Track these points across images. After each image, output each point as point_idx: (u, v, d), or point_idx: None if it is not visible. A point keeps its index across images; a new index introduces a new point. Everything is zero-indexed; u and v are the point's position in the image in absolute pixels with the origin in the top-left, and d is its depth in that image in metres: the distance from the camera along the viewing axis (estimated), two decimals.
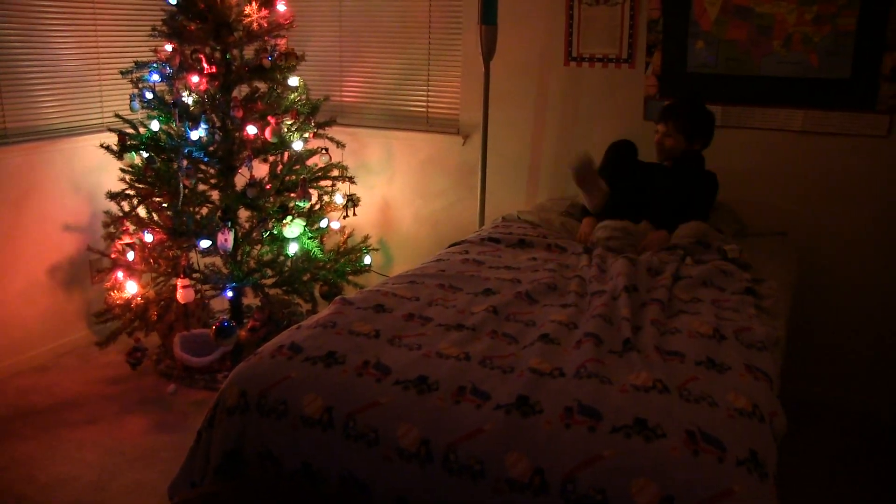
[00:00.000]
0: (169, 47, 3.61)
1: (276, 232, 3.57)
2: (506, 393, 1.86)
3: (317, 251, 3.62)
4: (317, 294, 3.76)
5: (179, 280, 3.51)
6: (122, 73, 3.73)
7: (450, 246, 3.10)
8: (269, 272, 3.67)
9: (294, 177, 3.67)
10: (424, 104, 4.16)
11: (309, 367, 2.00)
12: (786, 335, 2.42)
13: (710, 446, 1.65)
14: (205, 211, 3.66)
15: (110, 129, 3.74)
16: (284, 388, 1.96)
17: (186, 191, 3.50)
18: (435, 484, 1.76)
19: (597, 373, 1.93)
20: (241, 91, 3.71)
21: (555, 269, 2.76)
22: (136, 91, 3.67)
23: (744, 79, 3.49)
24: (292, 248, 3.60)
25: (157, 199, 3.62)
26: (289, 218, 3.54)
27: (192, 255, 3.68)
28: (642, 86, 3.70)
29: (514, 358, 2.04)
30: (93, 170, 4.02)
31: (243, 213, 3.71)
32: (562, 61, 3.84)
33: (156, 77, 3.63)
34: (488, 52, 3.65)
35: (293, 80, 3.70)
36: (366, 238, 4.08)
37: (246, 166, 3.54)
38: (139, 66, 3.68)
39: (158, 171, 3.57)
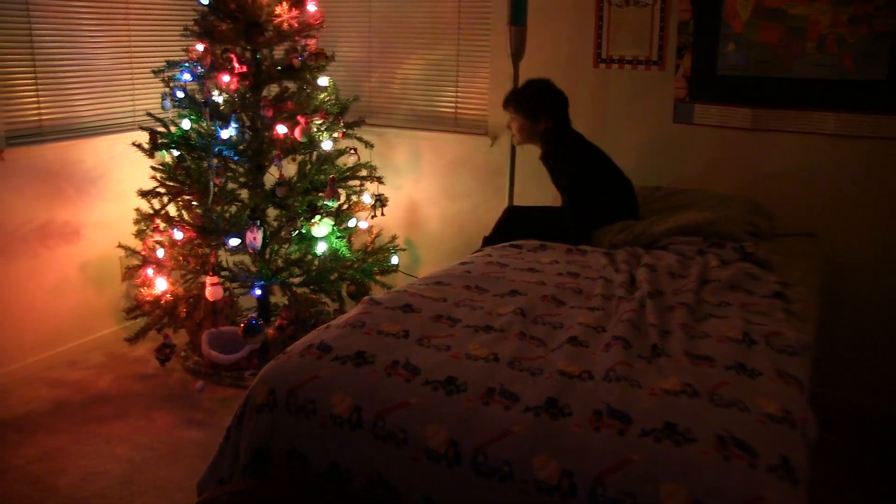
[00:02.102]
0: (200, 47, 3.65)
1: (304, 231, 3.58)
2: (535, 395, 1.85)
3: (345, 251, 3.64)
4: (344, 293, 3.78)
5: (208, 278, 3.54)
6: (154, 72, 3.77)
7: (476, 251, 3.11)
8: (297, 271, 3.69)
9: (323, 176, 3.68)
10: (453, 105, 4.17)
11: (338, 367, 2.01)
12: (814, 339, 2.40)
13: (741, 451, 1.64)
14: (233, 209, 3.69)
15: (142, 128, 3.78)
16: (313, 388, 1.97)
17: (216, 189, 3.53)
18: (463, 485, 1.76)
19: (626, 376, 1.92)
20: (270, 91, 3.73)
21: (578, 273, 2.76)
22: (167, 90, 3.71)
23: (775, 81, 3.46)
24: (320, 248, 3.62)
25: (187, 198, 3.65)
26: (317, 217, 3.56)
27: (221, 252, 3.71)
28: (672, 88, 3.68)
29: (542, 360, 2.04)
30: (123, 167, 4.06)
31: (271, 212, 3.74)
32: (591, 63, 3.83)
33: (187, 76, 3.67)
34: (517, 53, 3.65)
35: (323, 80, 3.73)
36: (393, 238, 4.09)
37: (275, 165, 3.57)
38: (171, 65, 3.72)
39: (189, 169, 3.61)
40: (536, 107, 3.26)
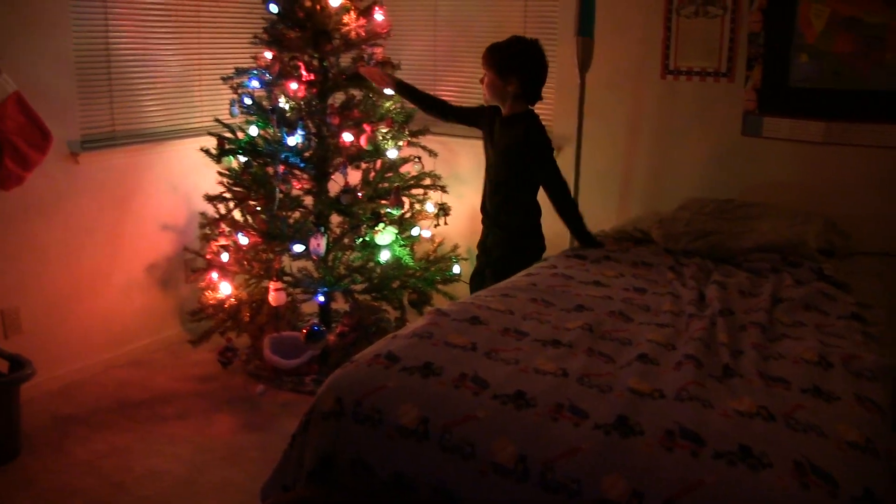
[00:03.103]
0: (269, 54, 3.69)
1: (367, 239, 3.60)
2: (604, 412, 1.83)
3: (407, 259, 3.65)
4: (405, 302, 3.78)
5: (272, 283, 3.58)
6: (223, 79, 3.84)
7: (540, 262, 3.09)
8: (359, 278, 3.71)
9: (387, 184, 3.70)
10: None
11: (406, 377, 2.01)
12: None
13: (820, 480, 1.58)
14: (297, 215, 3.73)
15: (210, 133, 3.84)
16: (380, 397, 1.97)
17: (281, 195, 3.57)
18: (529, 501, 1.74)
19: (698, 396, 1.88)
20: (336, 98, 3.76)
21: (644, 288, 2.72)
22: (235, 97, 3.77)
23: (851, 93, 3.36)
24: (384, 256, 3.63)
25: (253, 203, 3.69)
26: (381, 225, 3.57)
27: (285, 258, 3.75)
28: (741, 100, 3.61)
29: (611, 377, 2.01)
30: (191, 172, 4.14)
31: (334, 219, 3.76)
32: (658, 74, 3.78)
33: (255, 83, 3.72)
34: (584, 64, 3.62)
35: (388, 89, 3.74)
36: (455, 247, 4.08)
37: (341, 173, 3.60)
38: (239, 72, 3.78)
39: (255, 175, 3.65)
40: (508, 65, 3.05)
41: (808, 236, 3.04)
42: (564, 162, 3.94)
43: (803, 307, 2.54)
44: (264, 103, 3.71)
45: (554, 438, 1.77)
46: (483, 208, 3.35)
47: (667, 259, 3.07)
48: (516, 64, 3.05)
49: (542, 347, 2.16)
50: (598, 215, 3.92)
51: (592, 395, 1.91)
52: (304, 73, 3.60)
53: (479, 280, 3.37)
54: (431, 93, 3.53)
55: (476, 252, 3.44)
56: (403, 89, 3.50)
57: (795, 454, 1.65)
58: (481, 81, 3.15)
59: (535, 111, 3.19)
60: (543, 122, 3.84)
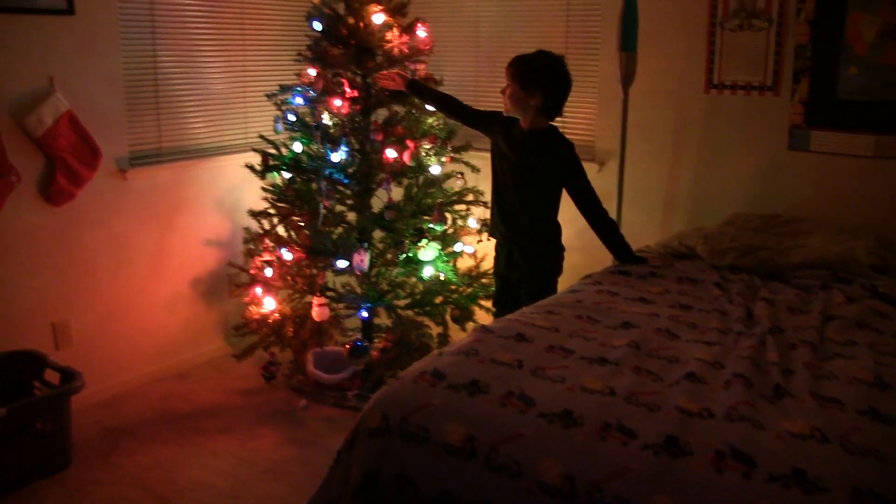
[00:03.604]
0: (312, 71, 3.73)
1: (410, 254, 3.61)
2: (653, 432, 1.80)
3: (450, 275, 3.64)
4: (447, 318, 3.78)
5: (315, 298, 3.60)
6: (267, 96, 3.89)
7: (584, 278, 3.07)
8: (402, 293, 3.72)
9: (429, 200, 3.71)
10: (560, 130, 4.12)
11: (452, 395, 2.00)
12: None
13: None
14: (339, 231, 3.75)
15: (254, 150, 3.90)
16: (427, 415, 1.97)
17: (325, 211, 3.60)
18: None
19: (749, 416, 1.85)
20: (378, 115, 3.79)
21: (690, 305, 2.68)
22: (279, 113, 3.81)
23: None
24: (427, 271, 3.64)
25: (297, 219, 3.73)
26: (424, 241, 3.58)
27: (328, 273, 3.77)
28: (787, 114, 3.56)
29: (659, 395, 1.98)
30: (235, 188, 4.19)
31: (378, 235, 3.78)
32: (702, 88, 3.75)
33: (299, 100, 3.76)
34: (627, 78, 3.60)
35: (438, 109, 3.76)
36: None
37: (384, 189, 3.61)
38: (283, 89, 3.82)
39: (299, 191, 3.69)
40: (533, 79, 3.01)
41: (859, 252, 2.97)
42: (607, 177, 3.93)
43: (856, 325, 2.48)
44: (308, 120, 3.75)
45: (602, 458, 1.75)
46: (496, 229, 3.29)
47: (712, 275, 3.03)
48: (541, 78, 3.02)
49: (588, 365, 2.14)
50: (642, 231, 3.89)
51: (641, 415, 1.88)
52: (347, 89, 3.63)
53: (505, 302, 3.32)
54: (467, 103, 3.51)
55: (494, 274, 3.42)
56: (416, 89, 3.51)
57: (853, 479, 1.61)
58: (502, 92, 3.13)
59: (557, 125, 3.19)
60: (586, 138, 3.82)
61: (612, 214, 3.70)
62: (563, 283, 3.25)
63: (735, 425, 1.81)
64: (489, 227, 3.40)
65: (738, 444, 1.73)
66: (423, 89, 3.52)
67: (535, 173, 3.11)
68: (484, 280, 3.80)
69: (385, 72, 3.56)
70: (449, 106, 3.46)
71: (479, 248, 3.99)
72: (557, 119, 4.04)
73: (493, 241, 3.36)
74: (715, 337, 2.38)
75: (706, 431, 1.80)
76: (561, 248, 3.26)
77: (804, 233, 3.23)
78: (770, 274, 3.01)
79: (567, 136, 3.20)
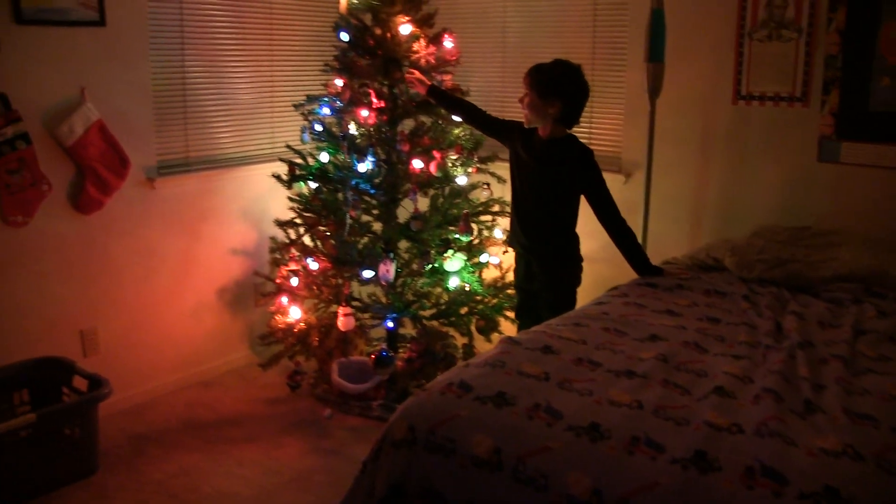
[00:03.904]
0: (339, 82, 3.75)
1: (436, 265, 3.61)
2: (681, 446, 1.78)
3: (476, 285, 3.64)
4: (473, 328, 3.77)
5: (341, 308, 3.61)
6: (294, 106, 3.91)
7: (611, 290, 3.05)
8: (427, 303, 3.72)
9: (455, 210, 3.71)
10: (586, 141, 4.10)
11: (479, 407, 1.99)
12: None
13: None
14: (365, 241, 3.76)
15: (281, 160, 3.92)
16: (453, 426, 1.96)
17: (351, 221, 3.61)
18: None
19: (779, 432, 1.82)
20: (405, 125, 3.79)
21: (719, 318, 2.66)
22: (306, 123, 3.83)
23: None
24: (453, 282, 3.63)
25: (323, 228, 3.74)
26: (450, 252, 3.58)
27: (354, 283, 3.78)
28: (817, 126, 3.52)
29: (687, 409, 1.96)
30: (261, 197, 4.22)
31: (403, 245, 3.78)
32: (729, 100, 3.72)
33: (326, 110, 3.78)
34: (654, 89, 3.58)
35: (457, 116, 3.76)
36: None
37: (410, 199, 3.62)
38: (310, 99, 3.84)
39: (325, 200, 3.70)
40: (551, 88, 3.02)
41: (893, 266, 2.93)
42: (634, 188, 3.91)
43: (889, 340, 2.44)
44: (335, 130, 3.76)
45: (630, 472, 1.74)
46: (515, 239, 3.30)
47: (740, 287, 3.00)
48: (559, 86, 3.03)
49: (615, 378, 2.13)
50: (668, 242, 3.86)
51: (669, 429, 1.86)
52: (374, 100, 3.64)
53: (527, 312, 3.34)
54: (486, 109, 3.51)
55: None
56: (436, 95, 3.52)
57: (889, 499, 1.58)
58: (521, 101, 3.14)
59: (583, 134, 3.18)
60: (613, 149, 3.80)
61: (639, 226, 3.69)
62: (589, 294, 3.24)
63: (765, 441, 1.79)
64: (508, 238, 3.41)
65: (768, 461, 1.71)
66: (443, 95, 3.53)
67: (555, 181, 3.11)
68: (509, 291, 3.78)
69: (412, 73, 3.56)
70: (469, 113, 3.47)
71: (504, 259, 3.98)
72: (584, 129, 4.08)
73: (513, 251, 3.37)
74: (744, 350, 2.36)
75: (735, 447, 1.77)
76: (579, 259, 3.26)
77: (834, 245, 3.19)
78: (799, 287, 2.97)
79: (592, 147, 3.19)
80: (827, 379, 2.14)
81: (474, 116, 3.45)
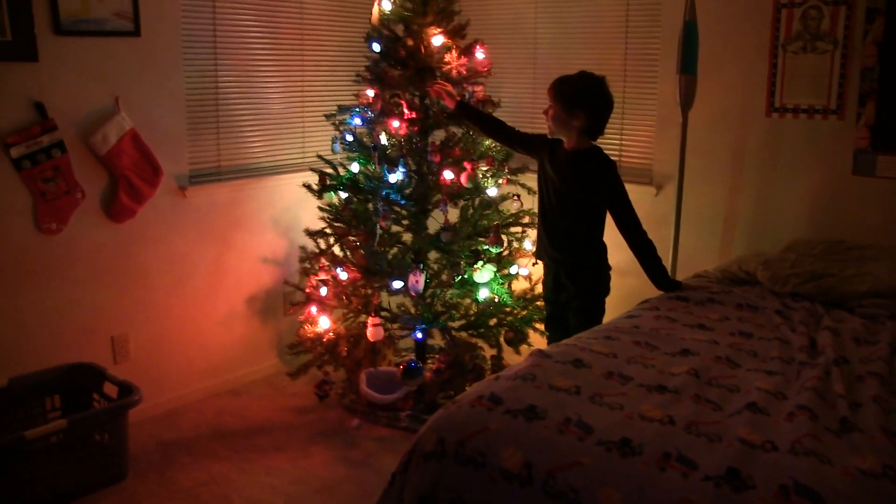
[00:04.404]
0: (371, 92, 3.76)
1: (466, 276, 3.60)
2: (714, 463, 1.76)
3: (506, 297, 3.63)
4: (502, 340, 3.76)
5: (370, 318, 3.61)
6: (325, 116, 3.93)
7: (641, 303, 3.02)
8: (457, 315, 3.71)
9: (485, 221, 3.70)
10: (617, 153, 4.10)
11: (509, 420, 1.98)
12: None
13: None
14: (394, 251, 3.76)
15: (311, 169, 3.94)
16: (483, 440, 1.95)
17: (381, 231, 3.61)
18: None
19: (815, 450, 1.79)
20: (436, 136, 3.80)
21: (751, 333, 2.63)
22: (337, 133, 3.85)
23: None
24: (482, 294, 3.62)
25: (353, 238, 3.75)
26: (479, 263, 3.57)
27: (383, 294, 3.78)
28: (852, 138, 3.48)
29: (720, 425, 1.94)
30: (291, 207, 4.24)
31: (433, 256, 3.78)
32: (763, 112, 3.69)
33: (357, 121, 3.79)
34: (687, 101, 3.56)
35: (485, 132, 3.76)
36: None
37: (441, 210, 3.62)
38: (341, 109, 3.86)
39: (355, 211, 3.71)
40: (576, 100, 3.03)
41: None
42: (665, 201, 3.89)
43: None
44: (366, 140, 3.77)
45: (662, 489, 1.72)
46: (543, 251, 3.29)
47: (773, 302, 2.96)
48: (584, 98, 3.04)
49: (647, 393, 2.11)
50: (699, 255, 3.83)
51: (701, 445, 1.84)
52: (405, 110, 3.65)
53: (557, 324, 3.33)
54: (512, 125, 3.50)
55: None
56: (464, 110, 3.52)
57: None
58: (545, 113, 3.14)
59: (613, 147, 3.16)
60: (644, 161, 3.78)
61: (669, 238, 3.66)
62: (619, 307, 3.21)
63: (800, 459, 1.76)
64: (536, 251, 3.40)
65: (803, 480, 1.68)
66: (471, 111, 3.53)
67: (580, 193, 3.11)
68: (539, 303, 3.76)
69: (439, 86, 3.56)
70: (495, 128, 3.48)
71: (534, 271, 3.96)
72: (615, 141, 4.06)
73: (542, 263, 3.36)
74: (777, 366, 2.32)
75: (770, 465, 1.75)
76: (607, 268, 3.25)
77: (870, 259, 3.14)
78: (833, 302, 2.93)
79: (623, 159, 3.18)
80: (864, 397, 2.10)
81: (503, 133, 3.45)
